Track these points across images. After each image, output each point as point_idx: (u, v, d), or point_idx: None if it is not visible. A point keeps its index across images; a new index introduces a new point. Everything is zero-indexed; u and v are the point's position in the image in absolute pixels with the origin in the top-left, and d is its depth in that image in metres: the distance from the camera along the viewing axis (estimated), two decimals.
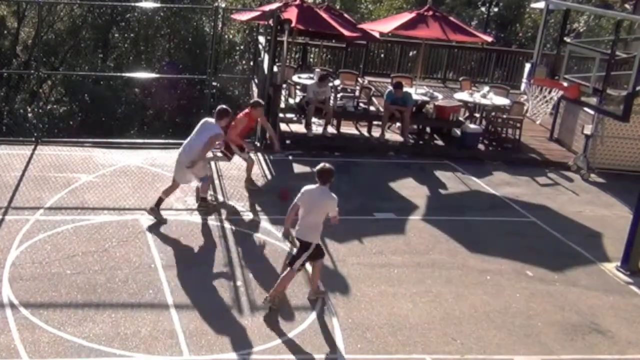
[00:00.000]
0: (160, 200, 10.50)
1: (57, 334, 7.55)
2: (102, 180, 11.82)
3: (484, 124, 15.78)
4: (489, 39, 18.67)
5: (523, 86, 17.25)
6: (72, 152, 13.14)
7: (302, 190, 8.45)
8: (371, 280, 9.30)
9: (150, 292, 8.54)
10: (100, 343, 7.47)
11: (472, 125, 15.28)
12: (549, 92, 11.32)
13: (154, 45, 27.96)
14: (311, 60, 20.43)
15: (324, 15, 16.25)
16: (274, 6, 15.85)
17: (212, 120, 10.74)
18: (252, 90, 18.03)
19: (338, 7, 26.06)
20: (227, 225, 10.60)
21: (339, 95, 15.55)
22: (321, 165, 8.42)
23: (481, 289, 9.38)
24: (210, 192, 11.74)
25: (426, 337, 8.15)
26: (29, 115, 23.30)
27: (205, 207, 10.92)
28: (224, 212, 11.01)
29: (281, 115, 14.67)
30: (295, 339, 7.89)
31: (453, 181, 13.36)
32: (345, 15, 19.52)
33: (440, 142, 15.40)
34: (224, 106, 11.01)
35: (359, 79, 18.02)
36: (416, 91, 15.82)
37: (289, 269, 8.52)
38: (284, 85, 14.99)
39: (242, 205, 11.33)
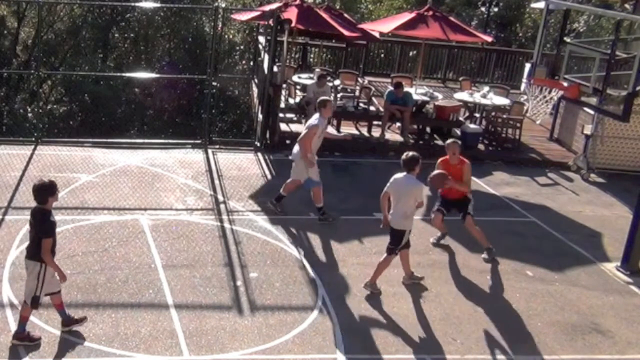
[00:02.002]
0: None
1: (57, 334, 7.55)
2: (102, 180, 11.82)
3: (484, 124, 15.78)
4: (489, 39, 18.68)
5: (523, 86, 17.27)
6: (72, 152, 13.14)
7: (391, 179, 8.86)
8: None
9: (150, 292, 8.54)
10: (100, 343, 7.47)
11: (472, 125, 15.28)
12: (549, 92, 11.33)
13: (154, 45, 27.93)
14: (311, 60, 20.43)
15: (324, 15, 16.26)
16: (274, 6, 15.85)
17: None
18: (252, 90, 18.04)
19: (338, 7, 26.06)
20: (227, 225, 10.60)
21: (339, 95, 15.55)
22: (405, 153, 8.87)
23: (481, 289, 9.38)
24: (211, 192, 11.75)
25: (426, 337, 8.15)
26: (29, 115, 23.26)
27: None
28: (223, 211, 11.01)
29: (281, 115, 14.67)
30: (295, 339, 7.88)
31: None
32: (345, 15, 19.53)
33: (440, 142, 15.39)
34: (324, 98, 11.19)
35: (359, 79, 18.03)
36: (416, 91, 15.83)
37: (385, 255, 8.96)
38: (284, 85, 15.00)
39: (242, 205, 11.33)
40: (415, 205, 8.82)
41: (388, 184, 8.87)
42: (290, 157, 11.06)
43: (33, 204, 10.59)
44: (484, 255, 10.11)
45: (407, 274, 9.29)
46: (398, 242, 8.88)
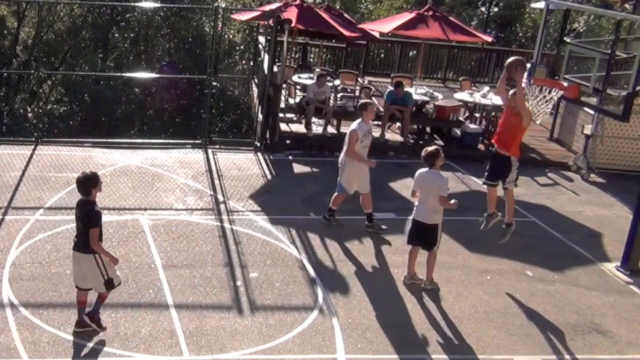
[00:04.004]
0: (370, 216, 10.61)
1: (57, 334, 7.55)
2: (102, 180, 11.74)
3: (484, 124, 15.78)
4: (489, 39, 18.69)
5: (523, 86, 17.23)
6: (72, 152, 13.14)
7: (416, 176, 9.02)
8: (371, 280, 9.30)
9: (150, 292, 8.54)
10: (101, 343, 7.46)
11: (472, 125, 15.28)
12: (549, 92, 11.31)
13: (154, 45, 27.95)
14: (311, 60, 20.43)
15: (324, 15, 16.27)
16: (274, 6, 15.86)
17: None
18: (252, 90, 18.04)
19: (338, 7, 26.06)
20: (227, 225, 10.60)
21: (339, 95, 15.55)
22: (425, 149, 8.96)
23: (481, 289, 9.38)
24: (211, 192, 11.74)
25: (426, 337, 8.15)
26: (29, 115, 23.28)
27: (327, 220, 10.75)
28: (223, 211, 11.01)
29: (281, 115, 14.67)
30: (295, 339, 7.88)
31: (453, 181, 13.34)
32: (345, 15, 19.54)
33: (440, 142, 15.39)
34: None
35: (359, 79, 18.02)
36: (416, 91, 15.82)
37: (429, 252, 9.11)
38: (284, 85, 15.00)
39: (242, 205, 11.33)
40: (439, 199, 8.85)
41: (414, 181, 9.04)
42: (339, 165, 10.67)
43: (33, 203, 10.64)
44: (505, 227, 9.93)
45: (410, 273, 9.31)
46: (435, 237, 9.02)
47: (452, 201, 8.87)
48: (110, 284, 7.52)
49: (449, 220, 10.53)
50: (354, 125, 10.36)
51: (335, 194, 10.64)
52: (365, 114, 10.30)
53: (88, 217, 7.32)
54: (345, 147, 10.39)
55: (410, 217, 9.14)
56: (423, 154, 8.96)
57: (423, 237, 9.07)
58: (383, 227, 10.65)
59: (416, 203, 9.12)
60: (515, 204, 12.38)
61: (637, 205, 10.21)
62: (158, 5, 23.14)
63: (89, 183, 7.40)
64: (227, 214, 10.97)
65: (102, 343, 7.47)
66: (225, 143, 14.69)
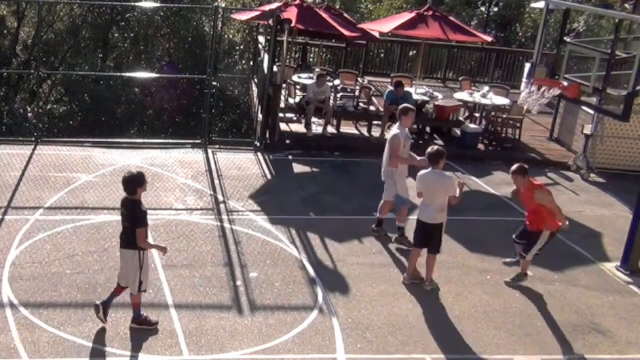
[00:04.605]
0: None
1: (57, 334, 7.55)
2: (102, 180, 11.83)
3: (484, 124, 15.79)
4: (489, 39, 18.68)
5: (523, 86, 17.25)
6: (72, 152, 13.14)
7: (418, 177, 8.97)
8: (371, 280, 9.30)
9: (150, 292, 8.53)
10: (101, 343, 7.46)
11: (472, 125, 15.28)
12: (548, 91, 11.32)
13: (154, 45, 27.94)
14: (311, 60, 20.43)
15: (324, 15, 16.27)
16: (274, 6, 15.86)
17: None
18: (252, 90, 18.04)
19: (338, 7, 26.06)
20: (227, 225, 10.60)
21: (339, 95, 15.55)
22: (429, 149, 8.94)
23: (481, 289, 9.38)
24: (211, 192, 11.75)
25: (426, 337, 8.15)
26: (29, 115, 23.28)
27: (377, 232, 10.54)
28: (223, 211, 11.01)
29: (281, 115, 14.67)
30: (295, 339, 7.88)
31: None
32: (345, 15, 19.54)
33: (440, 142, 15.39)
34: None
35: (359, 79, 18.03)
36: (416, 91, 15.82)
37: (429, 255, 9.11)
38: (284, 85, 15.00)
39: (242, 205, 11.33)
40: (448, 199, 8.85)
41: (417, 183, 8.99)
42: (382, 179, 10.37)
43: (33, 203, 10.64)
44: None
45: (410, 273, 9.31)
46: (440, 237, 9.02)
47: (458, 192, 8.84)
48: (142, 287, 7.67)
49: (449, 220, 10.54)
50: (394, 130, 10.12)
51: (382, 202, 10.36)
52: (405, 119, 10.09)
53: (135, 216, 7.42)
54: (386, 156, 10.05)
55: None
56: (427, 153, 8.92)
57: (429, 237, 9.04)
58: (389, 235, 10.47)
59: (419, 204, 9.11)
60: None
61: (637, 205, 10.21)
62: (158, 5, 23.12)
63: (135, 182, 7.47)
64: (227, 214, 10.97)
65: (102, 343, 7.47)
66: (225, 143, 14.69)
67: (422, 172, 9.00)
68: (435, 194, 8.86)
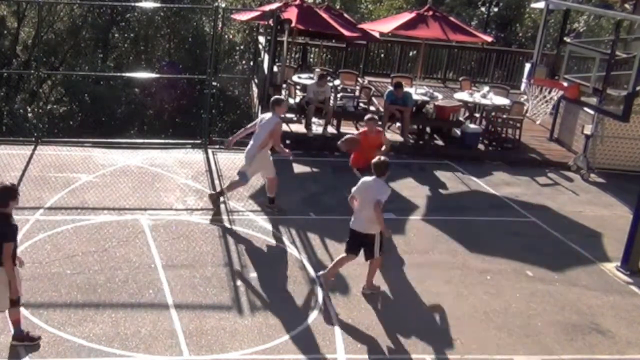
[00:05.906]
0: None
1: (57, 334, 7.55)
2: (102, 180, 11.82)
3: (484, 124, 15.78)
4: (489, 39, 18.67)
5: (523, 86, 17.26)
6: (72, 152, 13.14)
7: (359, 183, 8.72)
8: None
9: (150, 292, 8.54)
10: (100, 343, 7.46)
11: (472, 125, 15.28)
12: (549, 92, 11.32)
13: (154, 45, 27.97)
14: (311, 60, 20.43)
15: (324, 15, 16.26)
16: (274, 6, 15.85)
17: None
18: (252, 90, 18.03)
19: (338, 7, 26.06)
20: (227, 225, 10.60)
21: (339, 95, 15.55)
22: (377, 157, 8.66)
23: (481, 289, 9.38)
24: (211, 192, 11.74)
25: (426, 337, 8.15)
26: (29, 115, 23.30)
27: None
28: (223, 211, 11.01)
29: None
30: (295, 339, 7.88)
31: (453, 181, 13.37)
32: (345, 15, 19.53)
33: (440, 142, 15.40)
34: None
35: (359, 79, 18.02)
36: (416, 91, 15.81)
37: (369, 261, 8.76)
38: (284, 85, 14.99)
39: (242, 205, 11.33)
40: (374, 204, 8.37)
41: (355, 187, 8.68)
42: None
43: (33, 203, 10.64)
44: None
45: (329, 276, 8.99)
46: (371, 248, 8.63)
47: (384, 223, 8.41)
48: (17, 302, 7.11)
49: (449, 220, 10.57)
50: (276, 118, 10.66)
51: (267, 181, 11.01)
52: (278, 108, 10.70)
53: (3, 231, 6.93)
54: (262, 137, 10.65)
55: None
56: (376, 161, 8.52)
57: (361, 245, 8.67)
58: (284, 208, 11.03)
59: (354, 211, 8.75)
60: (516, 203, 12.45)
61: (637, 205, 10.21)
62: (158, 5, 23.14)
63: (7, 195, 7.05)
64: (227, 214, 10.97)
65: (102, 343, 7.47)
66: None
67: (365, 178, 8.70)
68: (366, 202, 8.43)
